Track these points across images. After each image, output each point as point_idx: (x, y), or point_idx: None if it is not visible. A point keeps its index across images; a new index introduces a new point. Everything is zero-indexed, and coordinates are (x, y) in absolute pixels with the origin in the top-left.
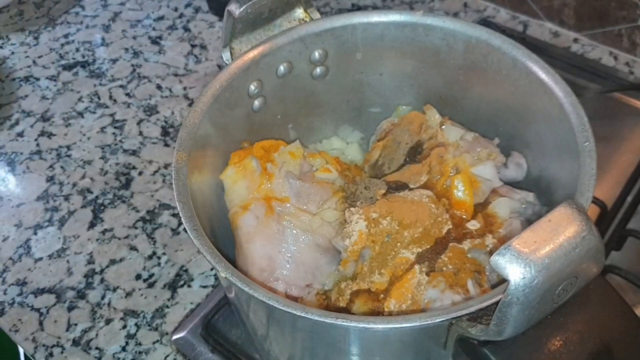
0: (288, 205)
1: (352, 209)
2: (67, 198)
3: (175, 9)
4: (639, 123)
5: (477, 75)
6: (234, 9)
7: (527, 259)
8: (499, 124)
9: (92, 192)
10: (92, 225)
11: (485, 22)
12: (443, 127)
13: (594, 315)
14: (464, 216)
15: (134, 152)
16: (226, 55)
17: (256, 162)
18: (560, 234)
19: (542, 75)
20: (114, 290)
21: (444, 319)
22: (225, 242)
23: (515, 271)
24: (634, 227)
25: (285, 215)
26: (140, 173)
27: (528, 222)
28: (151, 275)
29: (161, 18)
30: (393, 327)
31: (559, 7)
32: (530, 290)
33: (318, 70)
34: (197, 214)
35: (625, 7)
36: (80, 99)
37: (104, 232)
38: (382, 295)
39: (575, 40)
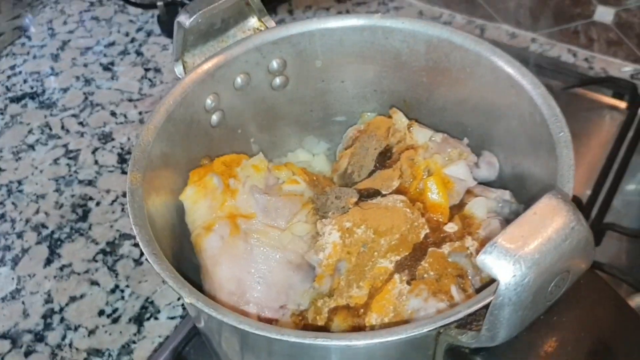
0: (255, 221)
1: (323, 220)
2: (20, 235)
3: (127, 34)
4: (603, 116)
5: (441, 75)
6: (184, 19)
7: (516, 256)
8: (467, 124)
9: (47, 227)
10: (48, 262)
11: None
12: (411, 129)
13: (588, 311)
14: (441, 219)
15: (90, 182)
16: (179, 69)
17: (217, 178)
18: (548, 226)
19: (508, 69)
20: (76, 329)
21: (431, 328)
22: (190, 268)
23: (504, 270)
24: (610, 221)
25: (252, 233)
26: (97, 204)
27: (507, 222)
28: (115, 310)
29: (112, 44)
30: (377, 342)
31: (514, 8)
32: (522, 289)
33: (277, 80)
34: (156, 238)
35: (580, 4)
36: (30, 131)
37: (61, 268)
38: (362, 310)
39: (533, 40)
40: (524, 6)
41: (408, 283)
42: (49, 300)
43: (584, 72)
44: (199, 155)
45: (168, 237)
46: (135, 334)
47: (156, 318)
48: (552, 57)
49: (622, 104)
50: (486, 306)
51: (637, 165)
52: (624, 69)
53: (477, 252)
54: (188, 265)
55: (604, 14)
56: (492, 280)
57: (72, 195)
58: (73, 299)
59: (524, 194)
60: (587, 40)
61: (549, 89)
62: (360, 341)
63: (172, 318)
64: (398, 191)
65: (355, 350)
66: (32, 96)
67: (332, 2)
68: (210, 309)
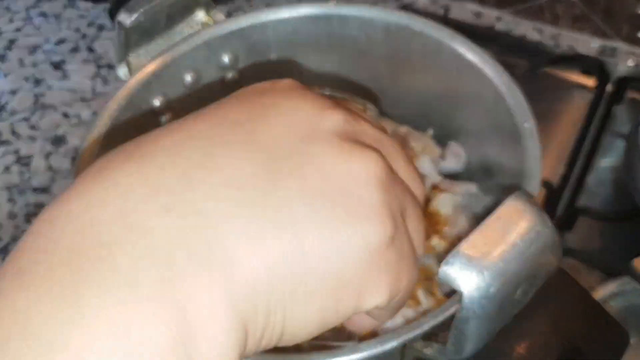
0: None
1: None
2: None
3: (77, 30)
4: (571, 95)
5: (401, 65)
6: (125, 18)
7: (480, 265)
8: (431, 115)
9: (1, 239)
10: None
11: (406, 9)
12: None
13: (556, 313)
14: None
15: (45, 190)
16: (123, 72)
17: None
18: (512, 231)
19: (470, 56)
20: None
21: (396, 343)
22: None
23: (467, 281)
24: (583, 202)
25: None
26: None
27: (475, 217)
28: None
29: (62, 41)
30: None
31: None
32: (487, 301)
33: (230, 76)
34: None
35: None
36: None
37: None
38: None
39: (499, 18)
40: None
41: None
42: None
43: (550, 50)
44: None
45: None
46: None
47: None
48: (518, 36)
49: (591, 82)
50: (452, 316)
51: (608, 143)
52: (590, 45)
53: (445, 251)
54: None
55: None
56: None
57: (26, 205)
58: None
59: (492, 184)
60: (552, 16)
61: (516, 69)
62: None
63: None
64: None
65: None
66: None
67: None
68: None
